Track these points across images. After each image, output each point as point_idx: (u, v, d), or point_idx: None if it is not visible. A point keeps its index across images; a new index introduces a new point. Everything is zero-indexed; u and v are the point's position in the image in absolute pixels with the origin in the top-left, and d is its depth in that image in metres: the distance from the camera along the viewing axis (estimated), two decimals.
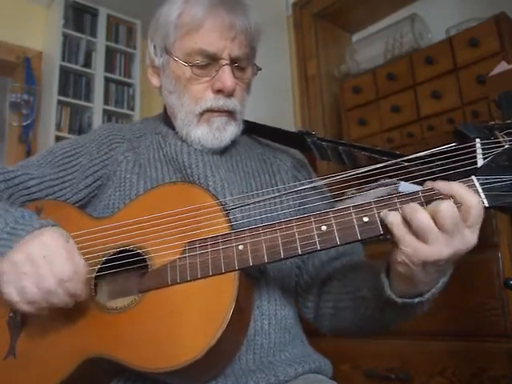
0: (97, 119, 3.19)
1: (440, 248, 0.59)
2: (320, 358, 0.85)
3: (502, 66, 1.44)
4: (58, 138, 2.98)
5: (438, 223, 0.58)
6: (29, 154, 3.02)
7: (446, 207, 0.57)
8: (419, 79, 2.02)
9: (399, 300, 0.66)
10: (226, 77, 0.84)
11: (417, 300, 0.66)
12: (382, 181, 0.77)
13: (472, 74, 1.85)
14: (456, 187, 0.60)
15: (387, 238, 0.64)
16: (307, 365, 0.80)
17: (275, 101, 2.50)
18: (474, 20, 1.94)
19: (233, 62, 0.85)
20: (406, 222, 0.60)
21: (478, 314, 1.26)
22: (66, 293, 0.67)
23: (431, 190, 0.63)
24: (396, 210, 0.63)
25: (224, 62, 0.84)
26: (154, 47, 0.91)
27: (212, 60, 0.84)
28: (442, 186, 0.61)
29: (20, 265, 0.66)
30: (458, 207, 0.59)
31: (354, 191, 0.76)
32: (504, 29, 1.80)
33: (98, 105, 3.22)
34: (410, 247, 0.60)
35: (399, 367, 1.39)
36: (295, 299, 0.90)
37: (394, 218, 0.61)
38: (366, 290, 0.73)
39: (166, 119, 0.96)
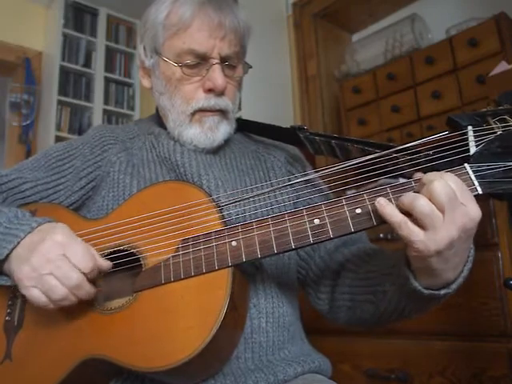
0: (97, 119, 3.20)
1: (447, 229, 0.57)
2: (319, 358, 0.84)
3: (502, 66, 1.44)
4: (57, 138, 2.98)
5: (437, 204, 0.57)
6: (29, 153, 3.02)
7: (438, 184, 0.56)
8: (419, 79, 2.02)
9: (426, 292, 0.64)
10: (217, 76, 0.83)
11: (443, 292, 0.65)
12: (382, 181, 0.77)
13: (472, 74, 1.85)
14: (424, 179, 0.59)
15: (380, 224, 0.63)
16: (307, 364, 0.79)
17: (275, 101, 2.50)
18: (473, 20, 1.94)
19: (223, 60, 0.85)
20: (408, 215, 0.59)
21: (478, 314, 1.26)
22: (91, 283, 0.70)
23: (416, 180, 0.62)
24: (389, 200, 0.62)
25: (214, 61, 0.84)
26: (144, 48, 0.91)
27: (202, 59, 0.84)
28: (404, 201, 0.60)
29: (40, 267, 0.67)
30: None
31: (354, 192, 0.76)
32: (504, 29, 1.80)
33: (98, 105, 3.23)
34: (419, 243, 0.58)
35: (399, 367, 1.38)
36: (304, 292, 0.90)
37: (396, 218, 0.60)
38: (388, 284, 0.71)
39: (159, 120, 0.96)
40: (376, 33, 2.36)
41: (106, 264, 0.72)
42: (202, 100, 0.85)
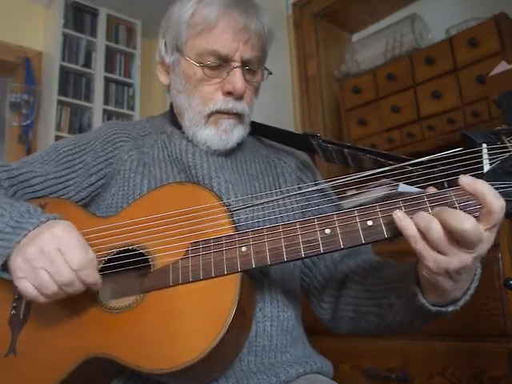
0: (97, 119, 3.19)
1: (460, 257, 0.57)
2: (321, 359, 0.85)
3: (502, 66, 1.44)
4: (58, 138, 2.98)
5: (461, 242, 0.56)
6: (29, 153, 3.02)
7: (470, 227, 0.55)
8: (419, 79, 2.02)
9: (433, 309, 0.65)
10: (237, 79, 0.83)
11: (450, 309, 0.65)
12: (382, 181, 0.77)
13: (472, 74, 1.85)
14: (480, 187, 0.58)
15: (392, 240, 0.63)
16: (308, 366, 0.80)
17: (275, 101, 2.50)
18: (473, 20, 1.93)
19: (244, 64, 0.85)
20: (421, 233, 0.59)
21: (478, 314, 1.26)
22: (82, 282, 0.68)
23: (436, 194, 0.62)
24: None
25: (235, 64, 0.83)
26: (165, 45, 0.91)
27: (223, 61, 0.84)
28: (466, 182, 0.58)
29: (34, 259, 0.66)
30: (479, 208, 0.58)
31: (355, 191, 0.76)
32: (504, 29, 1.80)
33: (98, 105, 3.22)
34: (431, 260, 0.59)
35: (399, 367, 1.38)
36: (307, 299, 0.90)
37: (412, 232, 0.59)
38: (395, 297, 0.72)
39: (173, 118, 0.95)
40: (376, 33, 2.36)
41: (98, 282, 0.71)
42: (219, 102, 0.85)
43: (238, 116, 0.88)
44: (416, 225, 0.60)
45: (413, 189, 0.64)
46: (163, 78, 0.94)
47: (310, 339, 0.89)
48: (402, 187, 0.67)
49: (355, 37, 2.67)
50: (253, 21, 0.84)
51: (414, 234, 0.59)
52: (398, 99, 2.08)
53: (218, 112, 0.86)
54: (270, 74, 0.91)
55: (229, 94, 0.85)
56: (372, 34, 2.40)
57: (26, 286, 0.67)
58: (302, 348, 0.85)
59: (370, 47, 2.30)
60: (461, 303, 0.66)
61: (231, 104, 0.85)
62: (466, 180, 0.59)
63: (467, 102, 1.86)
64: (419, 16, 2.22)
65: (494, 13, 1.84)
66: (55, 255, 0.66)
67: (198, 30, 0.84)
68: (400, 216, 0.61)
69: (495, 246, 1.26)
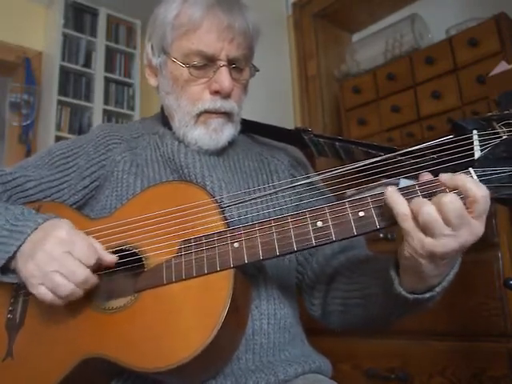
0: (97, 119, 3.19)
1: (446, 241, 0.58)
2: (320, 358, 0.84)
3: (502, 66, 1.44)
4: (57, 138, 2.98)
5: (443, 217, 0.57)
6: (29, 153, 3.02)
7: (450, 200, 0.56)
8: (419, 79, 2.03)
9: (410, 296, 0.65)
10: (224, 78, 0.83)
11: (428, 295, 0.65)
12: (383, 181, 0.77)
13: (472, 74, 1.86)
14: (461, 180, 0.58)
15: (383, 229, 0.63)
16: (307, 365, 0.80)
17: (275, 101, 2.50)
18: (473, 20, 1.94)
19: (230, 63, 0.85)
20: (413, 216, 0.59)
21: (478, 314, 1.26)
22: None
23: (428, 182, 0.62)
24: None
25: (221, 63, 0.83)
26: (152, 47, 0.91)
27: (209, 61, 0.84)
28: (446, 179, 0.60)
29: (45, 265, 0.68)
30: (462, 199, 0.57)
31: (354, 191, 0.76)
32: (504, 29, 1.80)
33: (98, 105, 3.22)
34: (416, 241, 0.59)
35: (399, 367, 1.39)
36: (300, 297, 0.90)
37: (403, 210, 0.60)
38: (376, 287, 0.72)
39: (164, 119, 0.96)
40: (376, 33, 2.37)
41: (110, 258, 0.73)
42: (207, 102, 0.85)
43: (227, 115, 0.88)
44: (409, 207, 0.60)
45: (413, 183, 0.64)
46: (152, 81, 0.95)
47: (309, 339, 0.89)
48: (403, 183, 0.67)
49: (355, 37, 2.68)
50: (237, 19, 0.84)
51: (404, 210, 0.59)
52: (398, 99, 2.08)
53: (207, 112, 0.86)
54: (257, 70, 0.91)
55: (216, 93, 0.85)
56: (372, 34, 2.40)
57: (42, 291, 0.68)
58: (301, 346, 0.85)
59: (369, 47, 2.31)
60: (438, 289, 0.66)
61: (219, 103, 0.85)
62: (445, 177, 0.60)
63: (467, 102, 1.87)
64: (419, 16, 2.22)
65: (493, 13, 1.85)
66: (65, 258, 0.68)
67: (183, 31, 0.84)
68: (390, 190, 0.61)
69: (495, 247, 1.26)
